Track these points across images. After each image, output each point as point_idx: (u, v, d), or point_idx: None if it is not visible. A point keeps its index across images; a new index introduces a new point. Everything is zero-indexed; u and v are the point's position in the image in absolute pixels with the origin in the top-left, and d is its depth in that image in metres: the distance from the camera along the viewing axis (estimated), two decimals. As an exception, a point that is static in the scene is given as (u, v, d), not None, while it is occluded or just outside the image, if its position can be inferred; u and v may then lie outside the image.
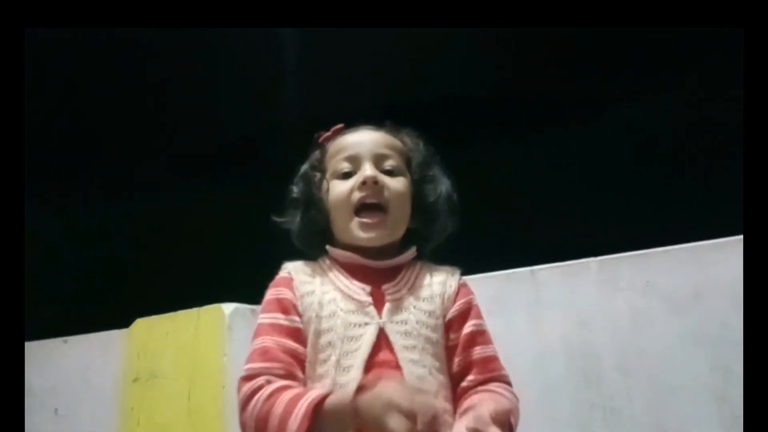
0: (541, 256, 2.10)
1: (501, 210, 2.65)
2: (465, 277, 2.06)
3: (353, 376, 1.18)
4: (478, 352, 1.28)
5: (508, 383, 1.30)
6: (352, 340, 1.21)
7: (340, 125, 1.41)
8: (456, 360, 1.28)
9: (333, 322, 1.24)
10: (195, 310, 2.37)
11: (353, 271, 1.31)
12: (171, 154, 3.67)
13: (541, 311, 2.07)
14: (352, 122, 1.43)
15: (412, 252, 1.36)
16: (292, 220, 1.39)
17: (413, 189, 1.35)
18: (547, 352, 2.06)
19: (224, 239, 3.36)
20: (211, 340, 2.25)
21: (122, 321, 2.68)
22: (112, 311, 3.20)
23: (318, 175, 1.37)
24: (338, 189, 1.31)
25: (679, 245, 1.96)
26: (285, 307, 1.28)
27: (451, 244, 1.42)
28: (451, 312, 1.31)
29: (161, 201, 3.58)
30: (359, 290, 1.28)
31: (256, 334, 1.27)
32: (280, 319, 1.26)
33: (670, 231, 2.02)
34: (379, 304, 1.27)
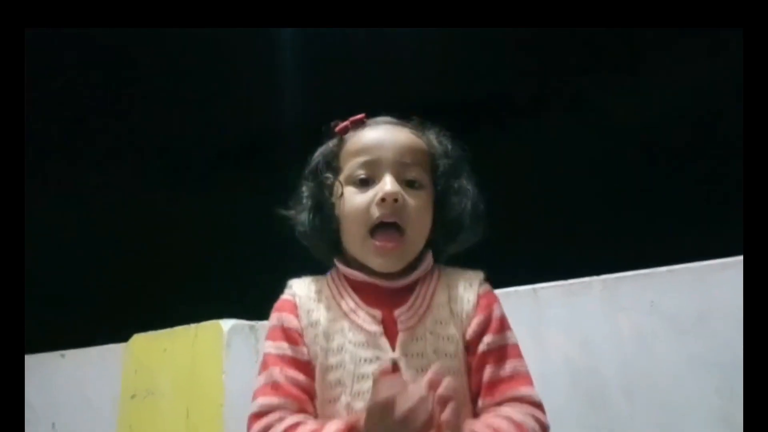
0: (544, 274, 2.07)
1: (503, 227, 2.63)
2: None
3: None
4: (487, 373, 1.16)
5: (531, 403, 1.18)
6: (362, 378, 1.12)
7: (360, 116, 1.26)
8: (472, 384, 1.18)
9: (341, 357, 1.15)
10: (193, 326, 2.35)
11: (363, 290, 1.20)
12: (169, 167, 3.65)
13: (544, 330, 2.04)
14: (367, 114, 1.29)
15: (428, 264, 1.23)
16: (300, 218, 1.27)
17: (436, 200, 1.23)
18: (550, 371, 2.02)
19: (223, 254, 3.34)
20: (210, 357, 2.23)
21: (120, 335, 2.67)
22: (110, 325, 3.18)
23: (330, 176, 1.23)
24: (354, 201, 1.17)
25: (684, 265, 1.93)
26: (292, 337, 1.18)
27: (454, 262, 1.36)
28: (470, 332, 1.19)
29: (159, 215, 3.56)
30: (369, 318, 1.17)
31: (264, 365, 1.17)
32: (287, 350, 1.17)
33: (674, 250, 1.99)
34: (391, 332, 1.16)
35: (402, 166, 1.18)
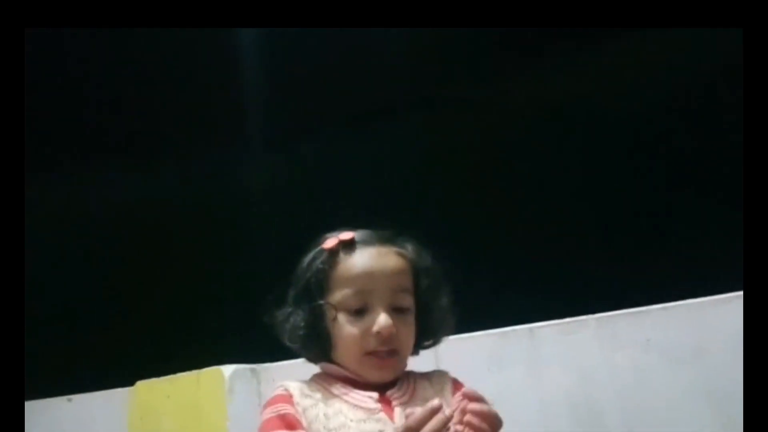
0: (539, 313, 2.10)
1: (498, 268, 2.66)
2: (464, 335, 2.07)
3: None
4: None
5: None
6: None
7: (349, 236, 1.32)
8: None
9: None
10: (195, 372, 2.36)
11: (354, 384, 1.27)
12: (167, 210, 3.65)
13: (542, 368, 2.07)
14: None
15: (406, 365, 1.33)
16: (291, 331, 1.32)
17: (417, 313, 1.31)
18: (549, 409, 2.05)
19: (223, 297, 3.36)
20: (213, 403, 2.24)
21: (124, 379, 2.69)
22: (114, 369, 3.20)
23: (323, 301, 1.29)
24: (349, 331, 1.25)
25: (678, 302, 1.97)
26: (289, 422, 1.20)
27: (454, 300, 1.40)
28: (453, 403, 1.24)
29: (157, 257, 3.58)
30: (366, 398, 1.23)
31: None
32: None
33: (667, 288, 2.01)
34: (387, 410, 1.22)
35: (392, 294, 1.27)
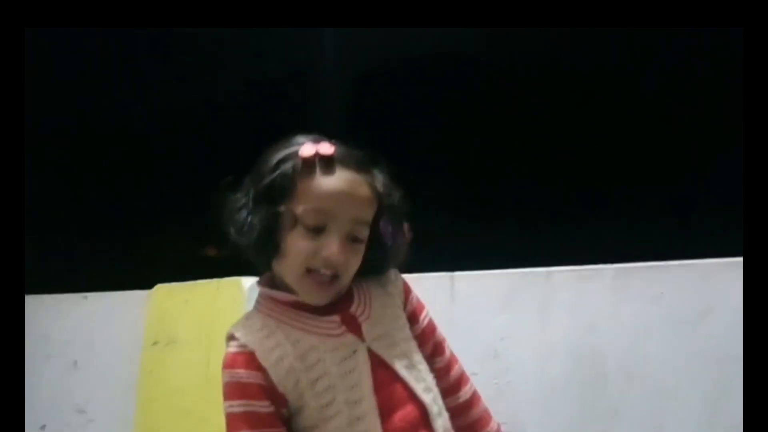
0: (557, 258, 2.15)
1: (524, 210, 2.69)
2: (482, 272, 2.10)
3: (365, 408, 1.19)
4: (437, 336, 1.36)
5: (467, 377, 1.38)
6: (349, 373, 1.20)
7: (329, 150, 1.25)
8: (425, 347, 1.32)
9: (323, 367, 1.20)
10: (215, 281, 2.41)
11: (306, 308, 1.25)
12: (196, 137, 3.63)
13: (553, 313, 2.12)
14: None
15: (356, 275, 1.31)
16: (243, 232, 1.25)
17: (368, 243, 1.28)
18: (553, 352, 2.11)
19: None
20: (229, 312, 2.29)
21: (140, 284, 2.74)
22: (131, 273, 3.26)
23: (284, 210, 1.23)
24: (300, 246, 1.22)
25: (692, 260, 2.02)
26: (252, 392, 1.19)
27: (474, 238, 1.40)
28: (407, 308, 1.34)
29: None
30: (331, 325, 1.24)
31: (233, 428, 1.18)
32: (252, 406, 1.19)
33: (684, 246, 2.05)
34: (353, 327, 1.25)
35: (353, 224, 1.24)
